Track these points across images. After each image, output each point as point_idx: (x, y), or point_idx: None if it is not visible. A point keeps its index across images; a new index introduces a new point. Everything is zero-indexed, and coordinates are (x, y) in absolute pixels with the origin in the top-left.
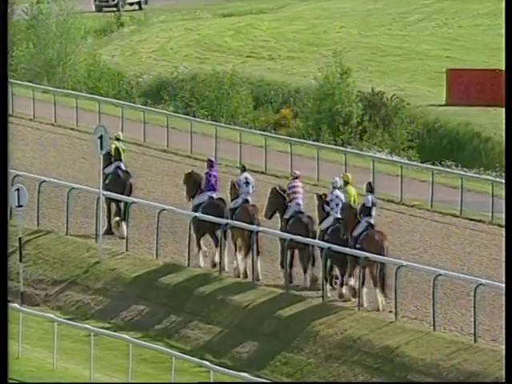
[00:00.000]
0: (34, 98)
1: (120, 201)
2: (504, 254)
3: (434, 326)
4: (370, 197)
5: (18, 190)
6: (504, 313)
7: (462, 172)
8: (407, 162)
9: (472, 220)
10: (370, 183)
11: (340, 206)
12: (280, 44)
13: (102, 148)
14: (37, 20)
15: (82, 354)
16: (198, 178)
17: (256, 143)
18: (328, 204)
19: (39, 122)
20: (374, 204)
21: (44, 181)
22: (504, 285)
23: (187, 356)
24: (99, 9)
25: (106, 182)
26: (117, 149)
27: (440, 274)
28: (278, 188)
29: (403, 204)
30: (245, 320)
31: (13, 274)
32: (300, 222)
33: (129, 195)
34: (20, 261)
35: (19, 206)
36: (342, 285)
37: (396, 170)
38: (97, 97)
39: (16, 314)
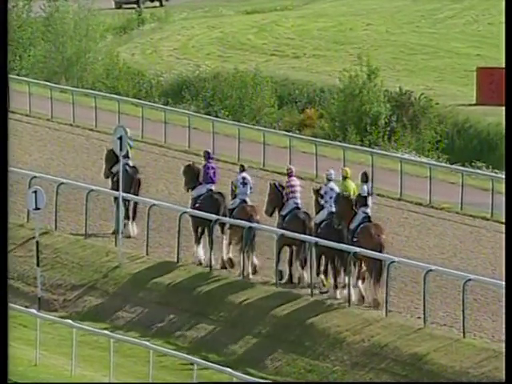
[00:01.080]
0: (52, 97)
1: (127, 199)
2: (504, 254)
3: (463, 332)
4: (365, 186)
5: (35, 192)
6: (504, 313)
7: (492, 174)
8: (436, 163)
9: (503, 223)
10: (365, 173)
11: (333, 198)
12: (305, 42)
13: (121, 149)
14: (54, 17)
15: (100, 361)
16: (197, 171)
17: (280, 144)
18: (322, 197)
19: (57, 123)
20: (369, 193)
21: (62, 183)
22: (504, 283)
23: (209, 363)
24: (119, 6)
25: (114, 179)
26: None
27: (470, 279)
28: (276, 184)
29: (432, 207)
30: (271, 327)
31: (30, 279)
32: (296, 218)
33: (137, 191)
34: (37, 265)
35: (36, 208)
36: (335, 283)
37: (424, 171)
38: (116, 96)
39: (33, 320)
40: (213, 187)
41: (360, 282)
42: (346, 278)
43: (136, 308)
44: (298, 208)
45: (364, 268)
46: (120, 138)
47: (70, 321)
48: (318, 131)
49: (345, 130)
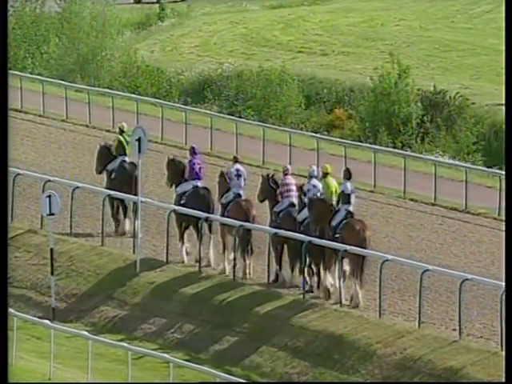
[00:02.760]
0: (67, 97)
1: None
2: (504, 254)
3: (501, 345)
4: (348, 184)
5: (49, 196)
6: (504, 313)
7: None
8: (472, 166)
9: None
10: (348, 169)
11: (310, 197)
12: (334, 38)
13: (140, 151)
14: (69, 12)
15: (118, 375)
16: (180, 166)
17: (307, 146)
18: (305, 194)
19: (72, 124)
20: (352, 191)
21: (78, 187)
22: (504, 284)
23: (230, 376)
24: (138, 0)
25: (112, 177)
26: (120, 142)
27: None
28: (268, 175)
29: (468, 212)
30: (298, 339)
31: (43, 288)
32: (290, 215)
33: (136, 190)
34: (51, 274)
35: (51, 214)
36: (318, 282)
37: (460, 175)
38: (134, 96)
39: (47, 331)
40: (199, 183)
41: (342, 280)
42: (331, 277)
43: (155, 319)
44: (293, 205)
45: (347, 265)
46: (138, 140)
47: (85, 332)
48: (347, 132)
49: (375, 132)
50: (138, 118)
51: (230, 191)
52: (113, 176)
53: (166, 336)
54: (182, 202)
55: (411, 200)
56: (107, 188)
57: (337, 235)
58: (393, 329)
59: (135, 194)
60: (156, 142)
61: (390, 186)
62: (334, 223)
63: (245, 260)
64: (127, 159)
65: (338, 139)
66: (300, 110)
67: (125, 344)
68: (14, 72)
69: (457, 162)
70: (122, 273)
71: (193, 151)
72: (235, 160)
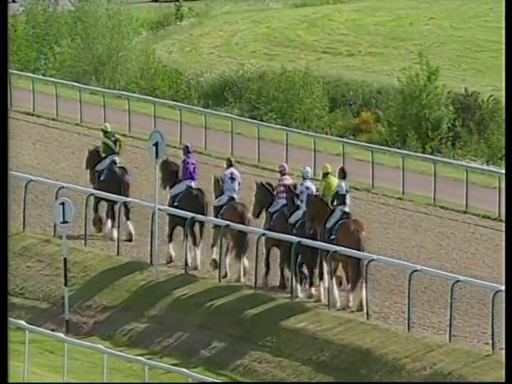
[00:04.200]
0: (81, 99)
1: (114, 201)
2: (504, 255)
3: None
4: (343, 184)
5: (62, 204)
6: (504, 314)
7: None
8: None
9: None
10: (342, 169)
11: (308, 194)
12: (360, 38)
13: (157, 156)
14: (84, 11)
15: None
16: (174, 167)
17: (332, 151)
18: (298, 196)
19: (87, 128)
20: (347, 191)
21: (92, 194)
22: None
23: None
24: None
25: (101, 178)
26: (105, 144)
27: None
28: (264, 183)
29: (501, 220)
30: (320, 353)
31: (57, 300)
32: (284, 217)
33: (126, 193)
34: (65, 285)
35: (64, 222)
36: (311, 284)
37: (493, 181)
38: (152, 98)
39: (60, 345)
40: (192, 184)
41: (335, 282)
42: (315, 277)
43: (174, 332)
44: (286, 205)
45: (340, 268)
46: (156, 145)
47: (100, 346)
48: (374, 136)
49: (404, 136)
50: (155, 122)
51: (224, 194)
52: (102, 178)
53: (185, 350)
54: (175, 204)
55: (441, 207)
56: (95, 189)
57: (332, 237)
58: (422, 342)
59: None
60: (174, 147)
61: (419, 193)
62: (328, 225)
63: (240, 263)
64: (117, 159)
65: (364, 144)
66: (325, 113)
67: (142, 358)
68: (26, 73)
69: (489, 168)
70: (138, 284)
71: (186, 150)
72: (229, 163)
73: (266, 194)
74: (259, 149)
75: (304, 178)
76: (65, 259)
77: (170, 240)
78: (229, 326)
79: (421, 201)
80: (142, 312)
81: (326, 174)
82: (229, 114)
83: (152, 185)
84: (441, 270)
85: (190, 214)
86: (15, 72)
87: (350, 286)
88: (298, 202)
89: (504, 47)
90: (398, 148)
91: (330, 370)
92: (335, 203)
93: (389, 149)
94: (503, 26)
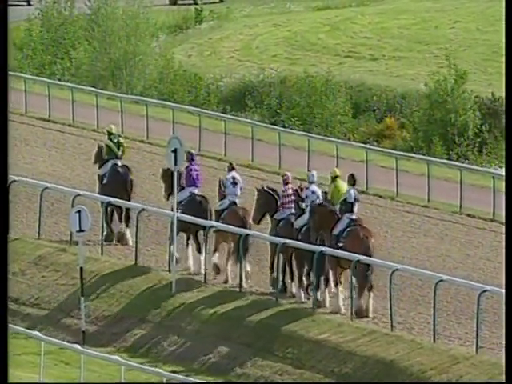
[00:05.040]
0: (98, 105)
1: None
2: (504, 255)
3: None
4: (352, 191)
5: (79, 212)
6: (504, 315)
7: None
8: None
9: None
10: (352, 175)
11: (311, 203)
12: (384, 42)
13: (176, 163)
14: (101, 14)
15: None
16: (177, 174)
17: (355, 157)
18: (303, 201)
19: (103, 134)
20: (356, 199)
21: (109, 202)
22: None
23: None
24: (174, 1)
25: (103, 182)
26: (108, 147)
27: None
28: (266, 187)
29: None
30: (343, 365)
31: (73, 310)
32: (290, 224)
33: (130, 193)
34: (82, 294)
35: (80, 230)
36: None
37: None
38: (170, 104)
39: (77, 357)
40: (196, 191)
41: (339, 288)
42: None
43: (192, 343)
44: (293, 214)
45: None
46: (174, 151)
47: (117, 357)
48: (398, 143)
49: (429, 142)
50: (173, 128)
51: (226, 199)
52: (104, 181)
53: (204, 361)
54: (179, 211)
55: (468, 216)
56: (99, 194)
57: (340, 244)
58: (448, 354)
59: (129, 200)
60: None
61: (444, 201)
62: (335, 232)
63: (241, 268)
64: (119, 163)
65: (388, 150)
66: (348, 118)
67: (160, 370)
68: (42, 78)
69: None
70: (156, 293)
71: (190, 157)
72: (231, 167)
73: (267, 198)
74: (280, 156)
75: (310, 183)
76: (81, 268)
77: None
78: (248, 336)
79: (447, 209)
80: (160, 323)
81: (334, 178)
82: (249, 120)
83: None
84: (467, 279)
85: (209, 222)
86: (30, 77)
87: (356, 292)
88: (303, 206)
89: (504, 47)
90: (423, 154)
91: (353, 382)
92: (343, 211)
93: (413, 155)
94: None
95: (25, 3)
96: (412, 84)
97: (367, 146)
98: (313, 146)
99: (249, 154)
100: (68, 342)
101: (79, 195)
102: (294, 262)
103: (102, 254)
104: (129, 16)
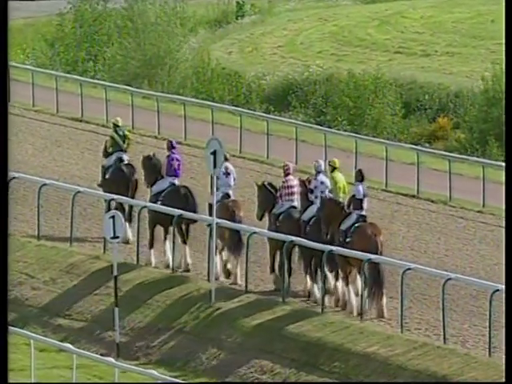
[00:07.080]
0: (133, 104)
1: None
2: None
3: None
4: (360, 187)
5: (113, 217)
6: (504, 315)
7: None
8: None
9: None
10: (360, 171)
11: (321, 196)
12: (437, 37)
13: (215, 166)
14: (136, 9)
15: None
16: (157, 163)
17: (406, 160)
18: (312, 192)
19: (139, 135)
20: (365, 195)
21: (145, 206)
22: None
23: None
24: None
25: (106, 176)
26: (113, 139)
27: None
28: (265, 184)
29: None
30: (393, 379)
31: (107, 321)
32: (291, 217)
33: (134, 193)
34: (116, 305)
35: (115, 237)
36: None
37: None
38: (209, 103)
39: (110, 371)
40: (176, 181)
41: (351, 286)
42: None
43: (232, 356)
44: (293, 207)
45: (354, 272)
46: (214, 153)
47: (153, 371)
48: (451, 144)
49: (485, 143)
50: (213, 128)
51: (219, 191)
52: (107, 176)
53: (246, 376)
54: (158, 202)
55: None
56: (99, 185)
57: (347, 239)
58: (501, 369)
59: (132, 198)
60: (234, 156)
61: (501, 206)
62: (343, 227)
63: (237, 264)
64: (124, 157)
65: (441, 152)
66: (398, 118)
67: None
68: (74, 76)
69: None
70: (194, 303)
71: (171, 145)
72: (225, 159)
73: (267, 195)
74: (326, 158)
75: (318, 172)
76: (115, 277)
77: (152, 245)
78: (292, 350)
79: (503, 214)
80: (199, 335)
81: (333, 169)
82: (293, 120)
83: (210, 197)
84: None
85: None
86: (62, 74)
87: (367, 292)
88: (312, 198)
89: (504, 47)
90: (478, 157)
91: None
92: (351, 207)
93: (468, 157)
94: None
95: None
96: (466, 82)
97: (418, 147)
98: (360, 148)
99: (293, 156)
100: (101, 355)
101: (113, 199)
102: (298, 259)
103: (137, 262)
104: (164, 10)
